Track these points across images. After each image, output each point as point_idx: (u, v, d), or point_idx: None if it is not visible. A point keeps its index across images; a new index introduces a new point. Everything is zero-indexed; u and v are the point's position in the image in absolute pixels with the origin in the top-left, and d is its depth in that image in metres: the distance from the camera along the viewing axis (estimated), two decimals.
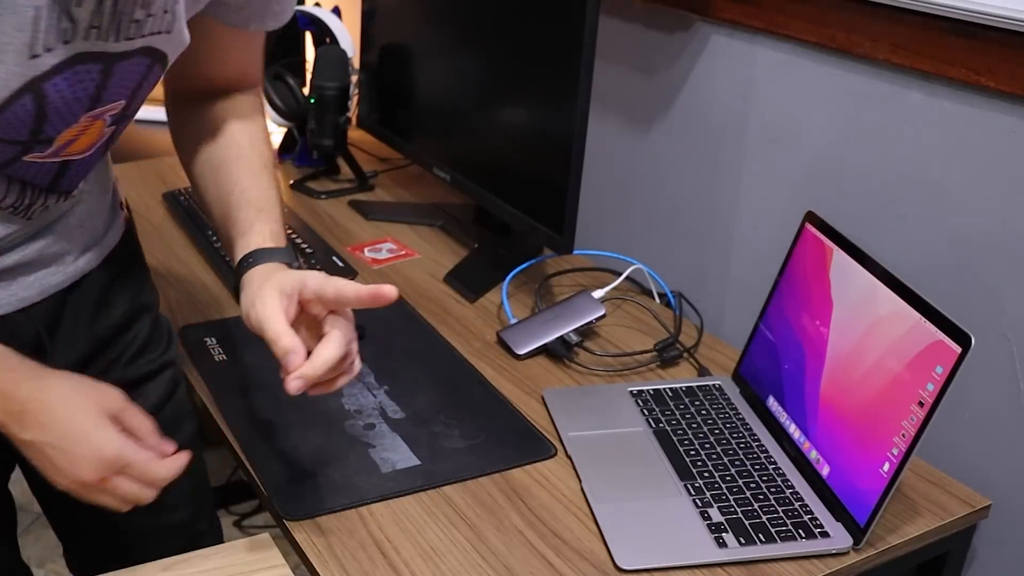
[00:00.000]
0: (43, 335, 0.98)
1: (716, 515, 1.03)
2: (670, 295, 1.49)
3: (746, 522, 1.02)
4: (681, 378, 1.30)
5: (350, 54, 1.82)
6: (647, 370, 1.32)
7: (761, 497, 1.06)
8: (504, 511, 1.04)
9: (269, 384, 1.23)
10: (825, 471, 1.06)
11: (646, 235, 1.58)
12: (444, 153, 1.66)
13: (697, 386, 1.26)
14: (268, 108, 1.87)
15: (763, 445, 1.14)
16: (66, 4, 0.72)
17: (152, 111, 2.16)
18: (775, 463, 1.11)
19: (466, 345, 1.34)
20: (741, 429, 1.17)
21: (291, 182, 1.85)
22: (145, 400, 1.07)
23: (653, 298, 1.50)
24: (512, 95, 1.47)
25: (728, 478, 1.08)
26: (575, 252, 1.40)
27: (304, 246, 1.54)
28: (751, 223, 1.40)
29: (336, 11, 1.90)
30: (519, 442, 1.15)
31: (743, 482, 1.08)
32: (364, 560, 0.97)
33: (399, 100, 1.77)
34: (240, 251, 0.94)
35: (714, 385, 1.26)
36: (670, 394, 1.24)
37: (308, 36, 2.03)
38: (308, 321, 0.91)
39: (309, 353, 0.87)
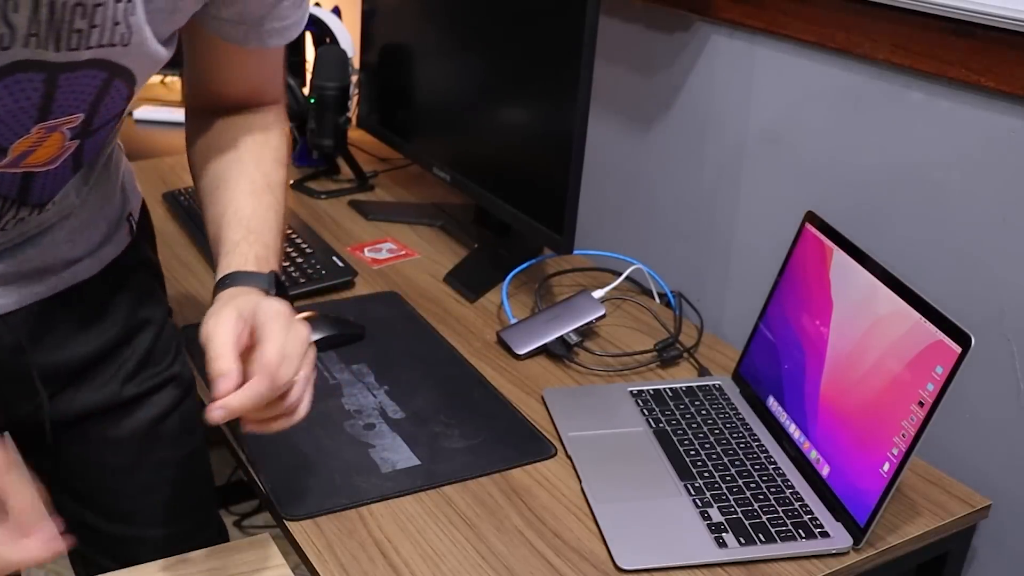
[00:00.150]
0: (24, 343, 0.97)
1: (716, 515, 1.03)
2: (670, 295, 1.49)
3: (746, 522, 1.02)
4: (681, 378, 1.30)
5: (350, 54, 1.82)
6: (647, 370, 1.32)
7: (761, 497, 1.06)
8: (504, 511, 1.04)
9: None
10: (825, 471, 1.06)
11: (646, 235, 1.58)
12: (444, 153, 1.66)
13: (697, 386, 1.26)
14: None
15: (763, 445, 1.14)
16: (3, 9, 0.71)
17: (152, 111, 2.17)
18: (775, 463, 1.11)
19: (466, 345, 1.35)
20: (741, 429, 1.17)
21: (291, 182, 1.85)
22: (145, 414, 1.07)
23: (653, 298, 1.50)
24: (512, 95, 1.47)
25: (728, 478, 1.08)
26: (575, 252, 1.40)
27: (304, 246, 1.54)
28: (751, 223, 1.40)
29: (336, 11, 1.90)
30: (519, 442, 1.15)
31: (743, 482, 1.08)
32: (364, 560, 0.97)
33: (399, 100, 1.78)
34: (220, 271, 0.90)
35: (714, 385, 1.26)
36: (670, 394, 1.24)
37: (308, 36, 2.03)
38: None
39: None
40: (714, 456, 1.12)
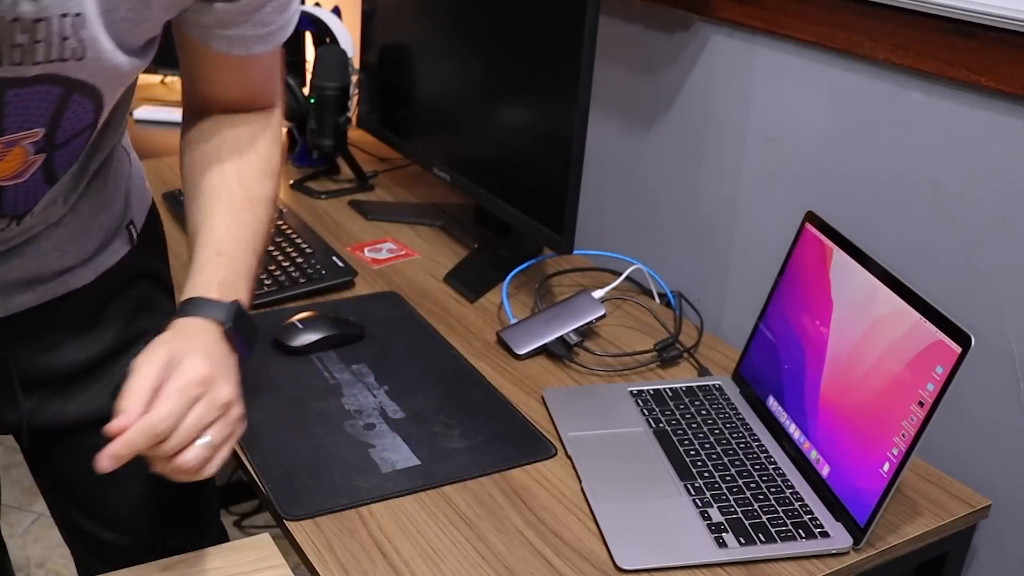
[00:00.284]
0: (6, 352, 0.95)
1: (716, 515, 1.03)
2: (670, 295, 1.49)
3: (746, 522, 1.02)
4: (681, 378, 1.30)
5: (350, 54, 1.82)
6: (647, 370, 1.32)
7: (761, 497, 1.06)
8: (504, 511, 1.04)
9: (269, 384, 1.23)
10: (825, 471, 1.06)
11: (646, 235, 1.58)
12: (444, 153, 1.66)
13: (697, 386, 1.26)
14: None
15: (763, 445, 1.14)
16: None
17: (152, 111, 2.16)
18: (775, 463, 1.11)
19: (466, 345, 1.35)
20: (741, 429, 1.17)
21: (291, 182, 1.85)
22: None
23: (653, 298, 1.50)
24: (512, 95, 1.47)
25: (728, 478, 1.08)
26: (575, 252, 1.40)
27: (304, 246, 1.54)
28: (751, 223, 1.40)
29: (336, 11, 1.90)
30: (519, 442, 1.15)
31: (743, 482, 1.08)
32: (364, 560, 0.97)
33: (399, 100, 1.78)
34: (184, 293, 0.89)
35: (714, 385, 1.26)
36: (670, 394, 1.24)
37: (308, 36, 2.03)
38: None
39: None
40: (714, 456, 1.12)
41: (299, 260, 1.50)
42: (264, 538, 0.94)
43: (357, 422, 1.16)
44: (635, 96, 1.54)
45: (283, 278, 1.45)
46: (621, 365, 1.32)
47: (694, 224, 1.49)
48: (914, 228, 1.18)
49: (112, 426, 0.76)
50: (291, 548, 1.00)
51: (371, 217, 1.73)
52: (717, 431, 1.17)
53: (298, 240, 1.56)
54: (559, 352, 1.32)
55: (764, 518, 1.03)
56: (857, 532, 1.00)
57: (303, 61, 2.02)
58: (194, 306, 0.87)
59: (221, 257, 0.89)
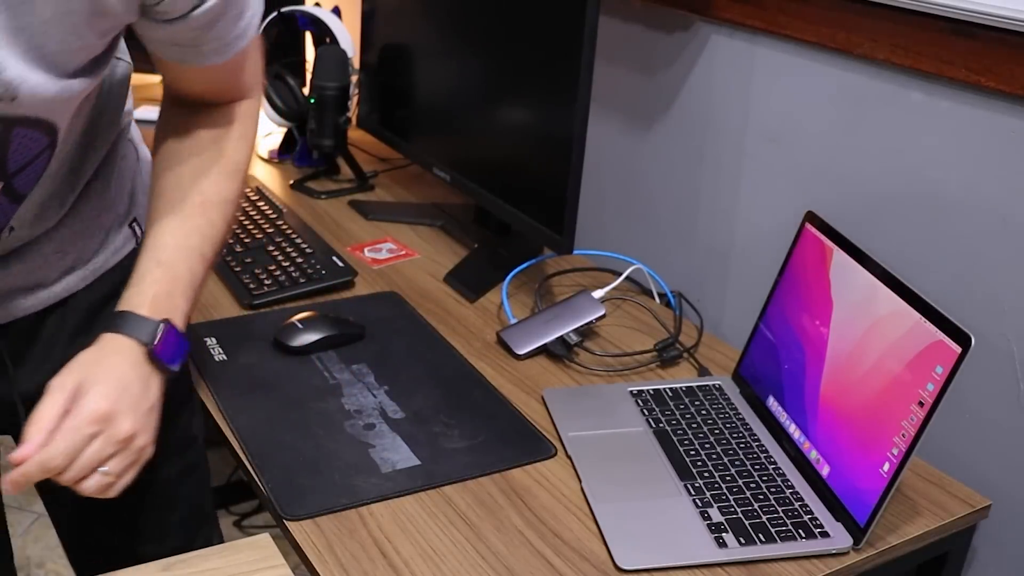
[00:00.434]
0: (4, 357, 0.95)
1: (716, 515, 1.03)
2: (670, 295, 1.49)
3: (746, 522, 1.02)
4: (681, 378, 1.30)
5: (350, 54, 1.82)
6: (647, 370, 1.32)
7: (761, 497, 1.06)
8: (504, 511, 1.04)
9: (269, 384, 1.23)
10: (825, 471, 1.06)
11: (646, 235, 1.58)
12: (444, 153, 1.66)
13: (697, 386, 1.26)
14: (268, 108, 1.87)
15: (763, 445, 1.14)
16: None
17: (152, 111, 2.16)
18: (775, 463, 1.11)
19: (466, 345, 1.35)
20: (741, 429, 1.17)
21: (291, 182, 1.85)
22: None
23: (653, 298, 1.50)
24: (512, 95, 1.47)
25: (728, 478, 1.08)
26: (575, 252, 1.40)
27: (304, 246, 1.54)
28: (751, 223, 1.40)
29: (336, 11, 1.90)
30: (519, 442, 1.15)
31: (743, 482, 1.08)
32: (364, 560, 0.97)
33: (399, 100, 1.78)
34: (119, 303, 0.89)
35: (714, 385, 1.26)
36: (670, 394, 1.24)
37: (308, 36, 2.03)
38: None
39: None
40: (714, 456, 1.12)
41: (299, 260, 1.50)
42: (264, 538, 0.94)
43: (357, 422, 1.16)
44: (635, 96, 1.54)
45: (283, 278, 1.45)
46: (621, 365, 1.32)
47: (694, 224, 1.49)
48: (914, 228, 1.18)
49: (14, 456, 0.79)
50: (291, 548, 1.00)
51: (371, 217, 1.73)
52: (717, 431, 1.17)
53: (298, 240, 1.56)
54: (559, 352, 1.32)
55: (764, 518, 1.03)
56: (857, 532, 1.00)
57: (303, 61, 2.02)
58: (122, 322, 0.87)
59: (159, 268, 0.89)
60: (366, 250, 1.61)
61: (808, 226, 1.17)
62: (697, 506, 1.04)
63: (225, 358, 1.28)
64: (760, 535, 1.01)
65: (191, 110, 0.95)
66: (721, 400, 1.23)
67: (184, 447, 1.13)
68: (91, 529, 1.12)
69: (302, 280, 1.45)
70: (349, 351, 1.30)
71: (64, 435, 0.81)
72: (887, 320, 1.02)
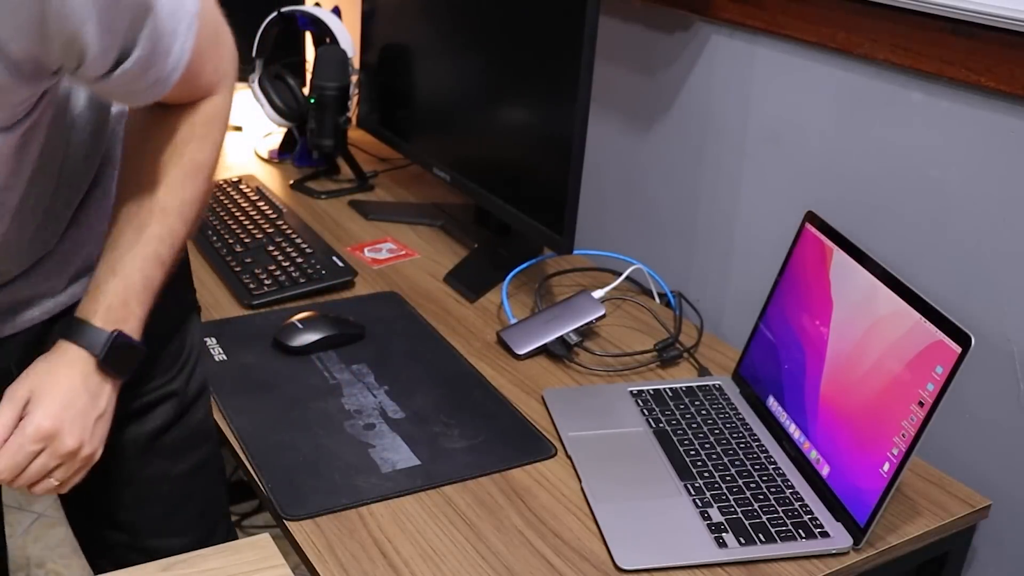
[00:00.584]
0: (12, 367, 0.96)
1: (716, 515, 1.03)
2: (670, 295, 1.49)
3: (746, 522, 1.02)
4: (681, 378, 1.30)
5: (350, 54, 1.82)
6: (647, 370, 1.32)
7: (761, 497, 1.06)
8: (504, 511, 1.04)
9: (269, 384, 1.23)
10: (825, 471, 1.06)
11: (646, 235, 1.58)
12: (444, 153, 1.66)
13: (697, 386, 1.26)
14: (268, 108, 1.87)
15: (763, 445, 1.14)
16: None
17: None
18: (775, 463, 1.11)
19: (466, 345, 1.35)
20: (741, 429, 1.17)
21: (291, 182, 1.85)
22: (140, 428, 1.06)
23: (653, 298, 1.50)
24: (512, 95, 1.47)
25: (728, 478, 1.08)
26: (575, 252, 1.40)
27: (304, 246, 1.54)
28: (751, 223, 1.40)
29: (336, 11, 1.90)
30: (519, 442, 1.15)
31: (743, 482, 1.08)
32: (364, 560, 0.97)
33: (399, 100, 1.78)
34: (77, 310, 0.90)
35: (714, 385, 1.26)
36: (670, 394, 1.24)
37: (308, 36, 2.03)
38: None
39: None
40: (714, 456, 1.12)
41: (299, 260, 1.50)
42: (264, 538, 0.94)
43: (357, 422, 1.16)
44: (635, 96, 1.54)
45: (283, 278, 1.45)
46: (621, 365, 1.32)
47: (694, 224, 1.49)
48: (914, 228, 1.18)
49: None
50: (291, 548, 1.00)
51: (371, 217, 1.73)
52: (717, 431, 1.17)
53: (298, 240, 1.56)
54: (559, 352, 1.32)
55: (764, 518, 1.03)
56: (857, 532, 1.00)
57: (303, 61, 2.02)
58: (75, 330, 0.89)
59: (115, 279, 0.89)
60: (366, 250, 1.61)
61: (808, 226, 1.17)
62: (697, 506, 1.04)
63: (225, 358, 1.28)
64: (760, 535, 1.01)
65: (150, 111, 0.91)
66: (721, 400, 1.23)
67: (200, 442, 1.13)
68: (104, 525, 1.13)
69: (302, 280, 1.45)
70: (349, 351, 1.30)
71: (10, 452, 0.85)
72: (887, 320, 1.02)
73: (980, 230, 1.11)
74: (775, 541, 1.00)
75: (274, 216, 1.65)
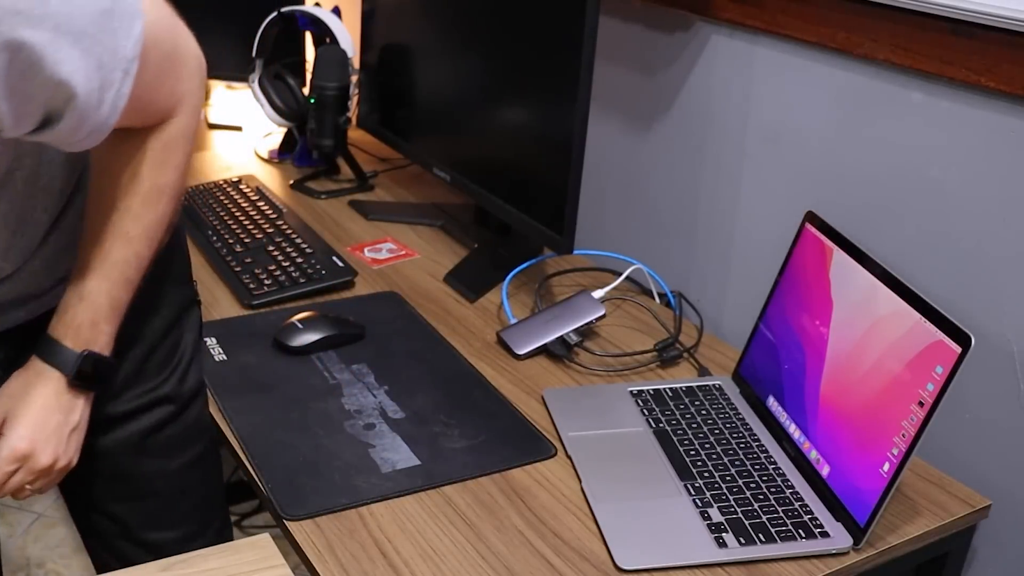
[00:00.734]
0: (13, 357, 0.97)
1: (716, 515, 1.03)
2: (670, 295, 1.49)
3: (746, 522, 1.02)
4: (681, 378, 1.30)
5: (350, 54, 1.82)
6: (647, 370, 1.32)
7: (761, 497, 1.06)
8: (504, 511, 1.04)
9: (269, 384, 1.23)
10: (825, 471, 1.06)
11: (646, 235, 1.58)
12: (444, 153, 1.66)
13: (697, 386, 1.26)
14: (268, 108, 1.87)
15: (763, 445, 1.14)
16: None
17: None
18: (775, 463, 1.11)
19: (466, 345, 1.35)
20: (741, 429, 1.17)
21: (291, 182, 1.85)
22: (134, 427, 1.07)
23: (653, 298, 1.50)
24: (512, 95, 1.47)
25: (728, 478, 1.08)
26: (575, 252, 1.40)
27: (304, 246, 1.54)
28: (751, 223, 1.40)
29: (336, 11, 1.90)
30: (519, 442, 1.15)
31: (743, 482, 1.08)
32: (364, 560, 0.97)
33: (399, 100, 1.78)
34: (49, 328, 0.93)
35: (714, 385, 1.26)
36: (670, 394, 1.24)
37: (308, 36, 2.03)
38: None
39: None
40: (714, 456, 1.12)
41: (299, 260, 1.50)
42: (264, 538, 0.94)
43: (357, 422, 1.16)
44: (635, 96, 1.54)
45: (283, 278, 1.45)
46: (621, 365, 1.32)
47: (694, 224, 1.49)
48: (914, 228, 1.18)
49: None
50: (291, 548, 1.00)
51: (371, 217, 1.73)
52: (717, 431, 1.17)
53: (298, 240, 1.56)
54: (559, 352, 1.32)
55: (764, 518, 1.03)
56: (857, 532, 1.00)
57: (303, 61, 2.02)
58: (47, 349, 0.93)
59: (82, 303, 0.92)
60: (366, 250, 1.61)
61: (808, 226, 1.17)
62: (697, 506, 1.04)
63: (225, 358, 1.28)
64: (760, 535, 1.01)
65: (111, 137, 0.86)
66: (721, 400, 1.23)
67: (196, 438, 1.14)
68: (97, 514, 1.13)
69: (302, 280, 1.45)
70: (349, 351, 1.30)
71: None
72: (887, 320, 1.02)
73: (980, 230, 1.11)
74: (775, 541, 1.00)
75: (274, 216, 1.65)
